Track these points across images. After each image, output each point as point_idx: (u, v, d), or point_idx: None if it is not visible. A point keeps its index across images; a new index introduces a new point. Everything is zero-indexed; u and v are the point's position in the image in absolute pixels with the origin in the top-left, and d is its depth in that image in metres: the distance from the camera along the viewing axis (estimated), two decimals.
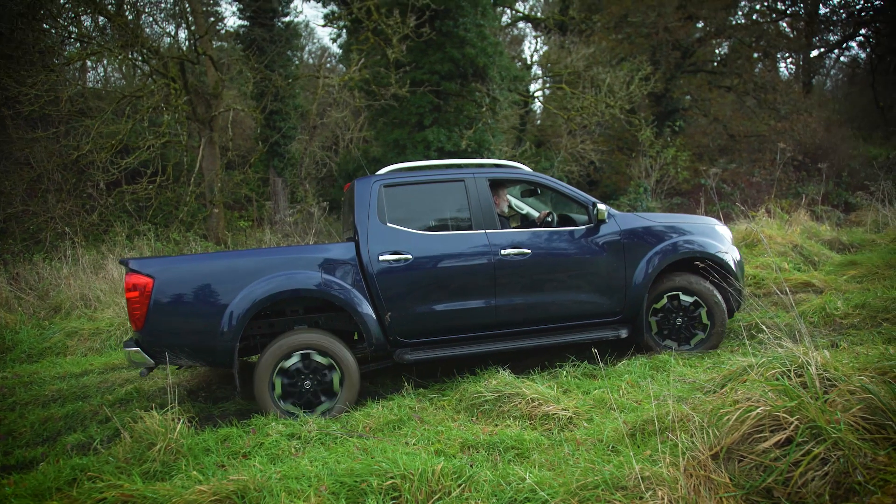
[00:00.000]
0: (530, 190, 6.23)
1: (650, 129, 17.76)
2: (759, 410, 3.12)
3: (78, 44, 13.17)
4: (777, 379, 3.38)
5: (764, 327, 4.55)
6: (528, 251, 5.32)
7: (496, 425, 4.24)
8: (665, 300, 5.66)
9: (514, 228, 5.69)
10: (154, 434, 4.12)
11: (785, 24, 24.59)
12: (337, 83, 14.85)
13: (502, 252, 5.26)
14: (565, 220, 5.96)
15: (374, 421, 4.47)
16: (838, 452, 2.89)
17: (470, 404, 4.64)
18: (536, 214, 6.54)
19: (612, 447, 3.62)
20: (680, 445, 3.15)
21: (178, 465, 3.88)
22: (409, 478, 3.25)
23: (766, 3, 23.82)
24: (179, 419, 4.31)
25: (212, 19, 15.58)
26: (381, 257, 5.09)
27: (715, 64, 22.83)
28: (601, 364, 4.92)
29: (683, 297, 5.63)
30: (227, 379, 6.13)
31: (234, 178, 15.80)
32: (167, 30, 17.23)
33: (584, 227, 5.55)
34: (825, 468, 2.88)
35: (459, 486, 3.24)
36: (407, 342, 5.19)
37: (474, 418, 4.47)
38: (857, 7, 25.14)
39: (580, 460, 3.42)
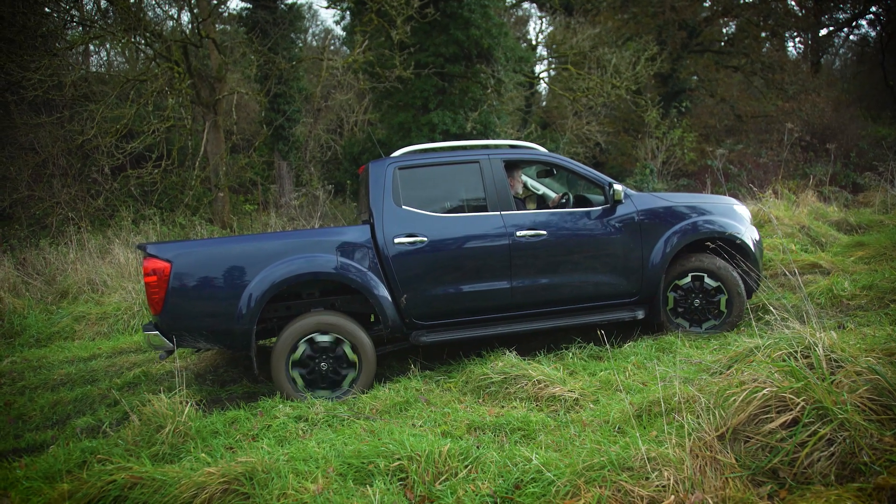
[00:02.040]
0: (546, 171, 6.16)
1: (656, 110, 17.60)
2: (765, 391, 3.11)
3: (80, 28, 13.11)
4: (784, 360, 3.37)
5: (771, 308, 4.54)
6: (544, 232, 5.29)
7: (502, 407, 4.25)
8: (689, 279, 5.59)
9: (530, 210, 5.66)
10: (162, 417, 4.15)
11: (793, 3, 24.22)
12: (341, 65, 14.76)
13: (518, 234, 5.24)
14: (582, 201, 5.89)
15: (380, 403, 4.49)
16: (844, 433, 2.89)
17: (476, 386, 4.66)
18: (553, 195, 6.49)
19: (619, 428, 3.63)
20: (686, 426, 3.15)
21: (186, 448, 3.92)
22: (416, 459, 3.27)
23: None
24: (187, 402, 4.34)
25: (215, 2, 15.44)
26: (397, 240, 5.08)
27: (722, 44, 22.56)
28: (607, 346, 4.92)
29: (708, 281, 5.56)
30: (235, 362, 6.17)
31: (239, 161, 15.78)
32: (170, 13, 17.13)
33: (600, 207, 5.49)
34: (831, 449, 2.88)
35: (466, 466, 3.25)
36: (423, 324, 5.20)
37: (481, 400, 4.49)
38: None
39: (586, 441, 3.44)
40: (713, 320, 5.62)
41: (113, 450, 3.89)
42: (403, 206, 5.20)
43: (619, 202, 5.45)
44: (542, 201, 6.58)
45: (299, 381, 4.88)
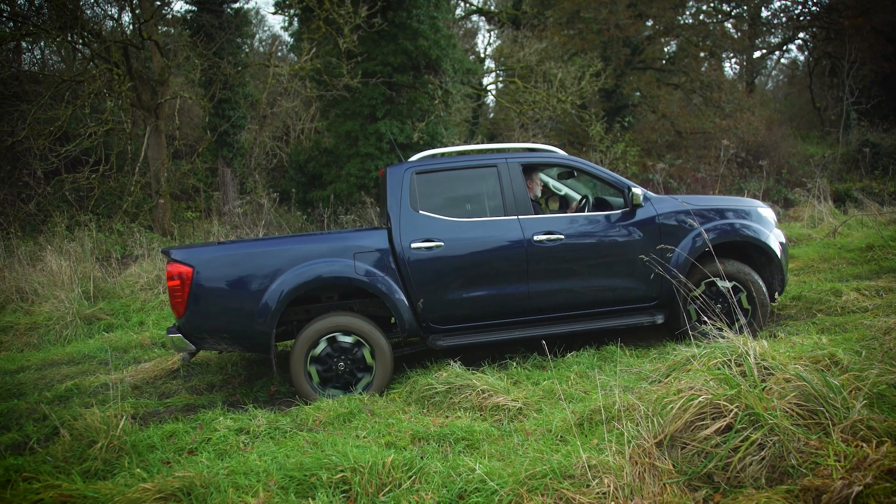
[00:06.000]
0: (567, 172, 6.10)
1: (600, 125, 18.04)
2: (700, 399, 3.22)
3: (11, 23, 12.58)
4: (718, 368, 3.49)
5: (707, 318, 4.69)
6: (562, 237, 5.28)
7: (447, 417, 4.26)
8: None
9: (549, 212, 5.57)
10: (95, 431, 3.99)
11: (730, 25, 25.33)
12: (287, 72, 14.59)
13: (535, 238, 5.24)
14: (602, 204, 5.85)
15: (324, 414, 4.43)
16: (774, 438, 3.01)
17: (421, 396, 4.65)
18: (577, 196, 6.43)
19: (561, 437, 3.68)
20: (626, 434, 3.23)
21: (120, 463, 3.78)
22: (360, 470, 3.24)
23: (712, 4, 24.48)
24: (122, 415, 4.19)
25: (158, 3, 15.05)
26: (413, 245, 5.11)
27: (663, 62, 23.34)
28: (550, 356, 4.99)
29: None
30: (173, 374, 5.99)
31: (182, 167, 15.37)
32: (110, 12, 16.59)
33: (619, 211, 5.46)
34: (762, 453, 3.00)
35: (410, 477, 3.24)
36: (440, 328, 5.22)
37: (425, 410, 4.48)
38: (796, 12, 26.12)
39: (529, 450, 3.47)
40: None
41: (41, 467, 3.72)
42: (421, 211, 5.22)
43: (639, 206, 5.39)
44: (564, 202, 6.54)
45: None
